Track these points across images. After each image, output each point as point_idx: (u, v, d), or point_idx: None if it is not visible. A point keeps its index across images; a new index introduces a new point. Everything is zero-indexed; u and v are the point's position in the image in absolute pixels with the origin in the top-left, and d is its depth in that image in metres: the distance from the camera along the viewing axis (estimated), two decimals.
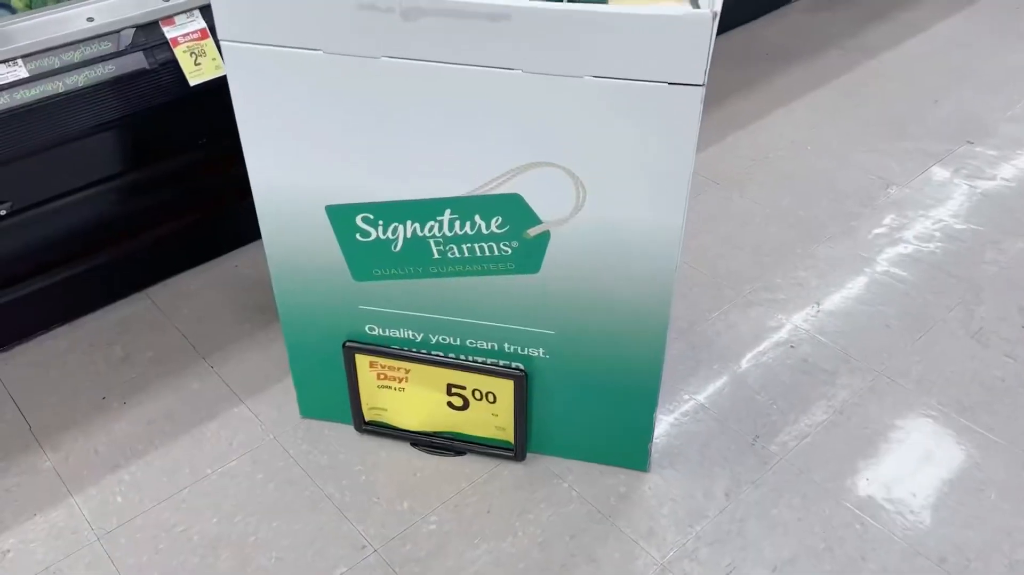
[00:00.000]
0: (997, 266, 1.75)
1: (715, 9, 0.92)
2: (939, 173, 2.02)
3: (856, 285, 1.71)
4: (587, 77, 0.98)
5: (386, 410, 1.39)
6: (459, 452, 1.38)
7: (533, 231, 1.13)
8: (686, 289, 1.69)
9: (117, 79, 1.35)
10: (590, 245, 1.13)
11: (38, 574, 1.23)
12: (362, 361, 1.32)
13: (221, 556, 1.25)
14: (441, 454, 1.38)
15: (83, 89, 1.31)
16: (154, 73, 1.38)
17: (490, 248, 1.16)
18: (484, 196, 1.11)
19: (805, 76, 2.43)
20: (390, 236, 1.18)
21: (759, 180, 2.02)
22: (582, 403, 1.32)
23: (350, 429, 1.41)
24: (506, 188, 1.10)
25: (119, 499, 1.32)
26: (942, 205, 1.92)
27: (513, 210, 1.11)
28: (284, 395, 1.47)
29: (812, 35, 2.65)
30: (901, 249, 1.80)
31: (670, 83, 0.96)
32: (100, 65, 1.33)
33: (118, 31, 1.35)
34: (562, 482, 1.34)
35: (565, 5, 0.98)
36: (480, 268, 1.18)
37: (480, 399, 1.32)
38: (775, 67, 2.47)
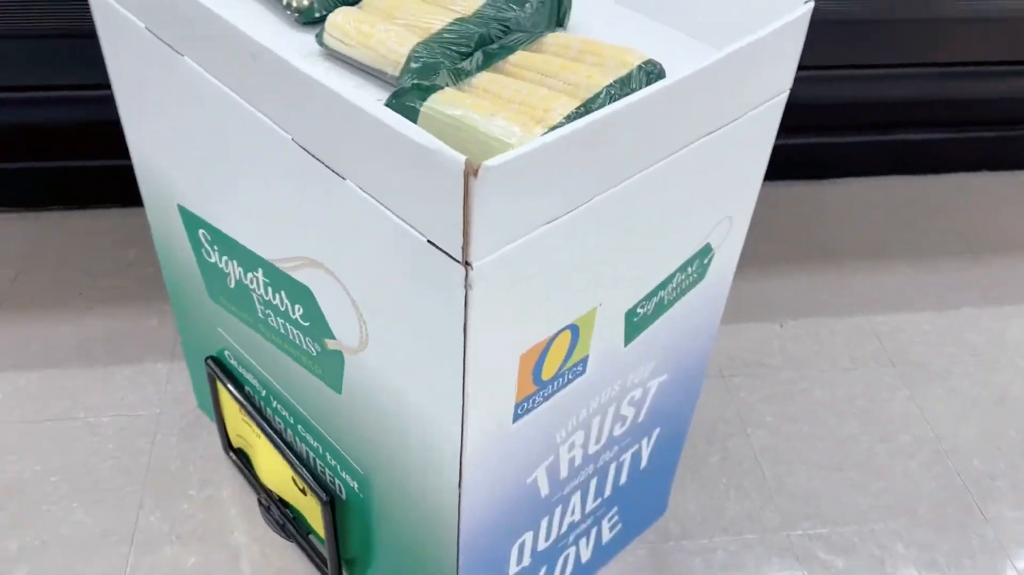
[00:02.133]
0: None
1: (539, 141, 0.54)
2: None
3: None
4: (349, 182, 0.66)
5: (250, 447, 1.19)
6: (297, 541, 1.13)
7: (330, 344, 0.83)
8: None
9: None
10: (376, 403, 0.80)
11: None
12: (222, 388, 1.12)
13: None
14: (277, 533, 1.15)
15: None
16: None
17: (298, 337, 0.88)
18: (283, 273, 0.83)
19: None
20: (224, 268, 0.95)
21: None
22: (376, 570, 1.01)
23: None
24: (300, 275, 0.81)
25: None
26: None
27: (309, 306, 0.82)
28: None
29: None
30: None
31: (428, 240, 0.61)
32: None
33: None
34: None
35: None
36: (295, 353, 0.91)
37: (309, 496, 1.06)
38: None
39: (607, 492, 1.01)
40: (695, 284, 0.87)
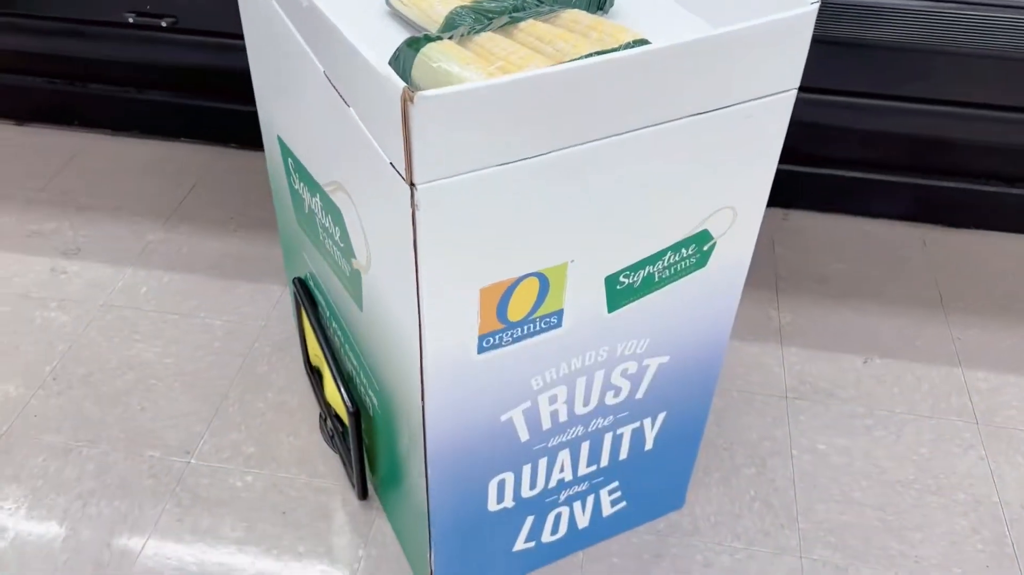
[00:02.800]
0: None
1: None
2: None
3: None
4: (351, 109, 0.76)
5: (323, 365, 1.33)
6: (340, 454, 1.27)
7: (354, 263, 0.94)
8: None
9: None
10: (381, 320, 0.91)
11: None
12: (302, 308, 1.27)
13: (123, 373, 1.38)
14: (327, 442, 1.29)
15: None
16: None
17: (338, 258, 1.00)
18: (328, 196, 0.95)
19: None
20: (302, 194, 1.09)
21: None
22: (392, 484, 1.11)
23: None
24: (335, 199, 0.93)
25: (142, 285, 1.53)
26: None
27: (341, 227, 0.94)
28: None
29: None
30: None
31: (390, 162, 0.70)
32: None
33: None
34: (358, 550, 1.16)
35: None
36: (339, 273, 1.03)
37: None
38: None
39: (603, 461, 1.06)
40: (693, 269, 0.90)
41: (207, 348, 1.43)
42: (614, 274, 0.85)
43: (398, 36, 0.88)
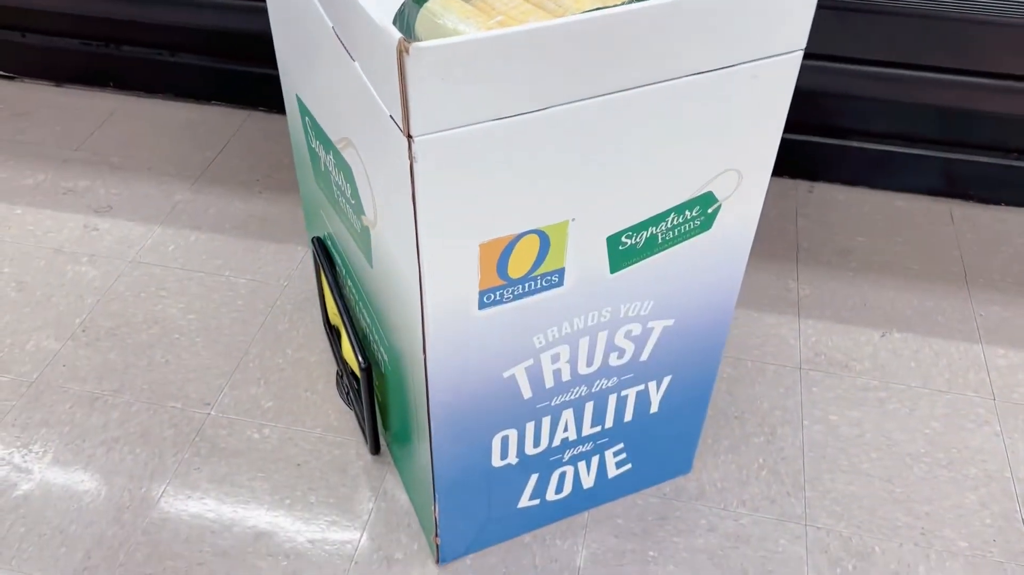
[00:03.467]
0: None
1: None
2: None
3: None
4: (356, 63, 0.78)
5: (341, 324, 1.36)
6: (355, 410, 1.29)
7: (363, 219, 0.96)
8: None
9: None
10: (389, 276, 0.93)
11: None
12: (320, 267, 1.30)
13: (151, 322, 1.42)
14: (343, 399, 1.32)
15: None
16: None
17: (351, 215, 1.02)
18: (339, 152, 0.97)
19: None
20: (318, 152, 1.11)
21: None
22: (401, 440, 1.13)
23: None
24: (346, 155, 0.94)
25: (167, 245, 1.57)
26: None
27: (351, 183, 0.96)
28: None
29: None
30: None
31: (389, 115, 0.71)
32: None
33: None
34: (368, 503, 1.19)
35: None
36: (351, 230, 1.05)
37: None
38: None
39: (608, 422, 1.07)
40: (697, 232, 0.91)
41: (230, 305, 1.46)
42: (616, 234, 0.86)
43: None
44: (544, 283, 0.87)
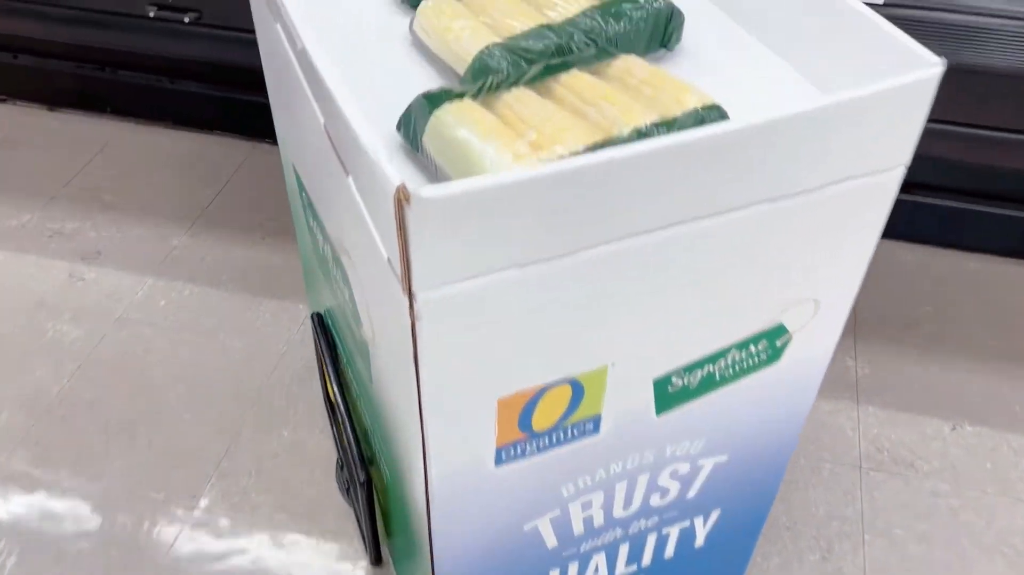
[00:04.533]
0: None
1: None
2: None
3: None
4: (350, 179, 0.62)
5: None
6: (355, 509, 1.15)
7: (360, 330, 0.81)
8: None
9: None
10: (387, 400, 0.78)
11: None
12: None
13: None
14: (342, 494, 1.17)
15: None
16: None
17: (348, 311, 0.87)
18: (336, 250, 0.82)
19: None
20: (315, 233, 0.96)
21: None
22: (405, 558, 0.99)
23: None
24: (343, 258, 0.79)
25: (156, 298, 1.43)
26: None
27: (347, 287, 0.81)
28: None
29: None
30: None
31: (387, 258, 0.56)
32: None
33: None
34: None
35: None
36: (347, 325, 0.91)
37: None
38: None
39: (645, 561, 0.92)
40: (763, 366, 0.75)
41: (223, 374, 1.32)
42: (665, 376, 0.70)
43: (418, 73, 0.74)
44: (576, 432, 0.71)
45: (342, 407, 1.06)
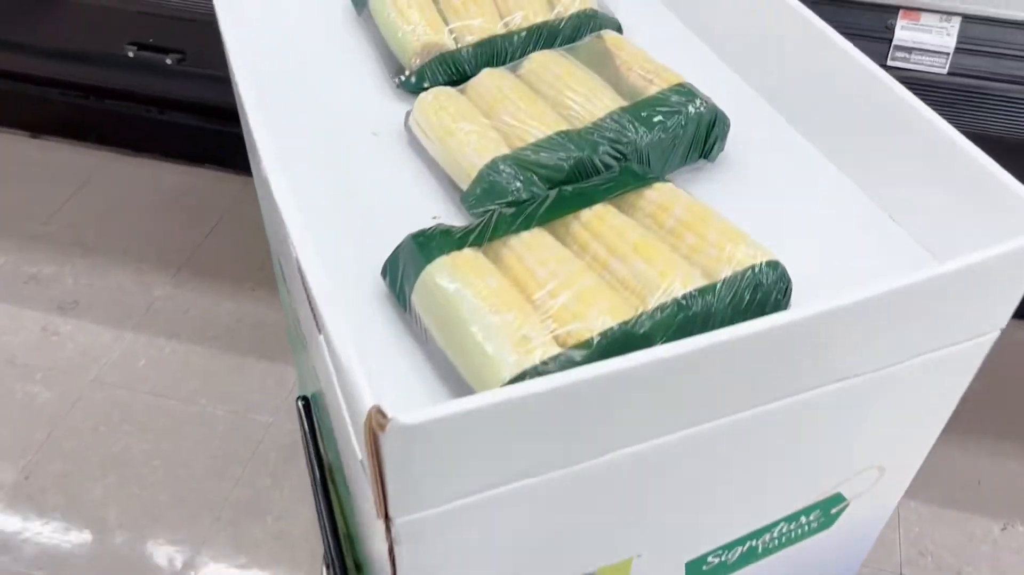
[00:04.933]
0: None
1: None
2: None
3: None
4: (322, 337, 0.51)
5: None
6: None
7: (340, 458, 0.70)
8: None
9: None
10: (365, 532, 0.67)
11: None
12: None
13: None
14: None
15: None
16: None
17: (329, 416, 0.76)
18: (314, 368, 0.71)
19: None
20: (300, 332, 0.85)
21: None
22: None
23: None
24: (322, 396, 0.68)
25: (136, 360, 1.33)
26: None
27: (327, 413, 0.70)
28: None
29: None
30: None
31: (360, 460, 0.45)
32: None
33: None
34: None
35: None
36: (333, 436, 0.79)
37: None
38: None
39: None
40: (812, 534, 0.64)
41: (204, 448, 1.21)
42: (699, 558, 0.59)
43: (411, 184, 0.62)
44: None
45: (325, 515, 0.95)
